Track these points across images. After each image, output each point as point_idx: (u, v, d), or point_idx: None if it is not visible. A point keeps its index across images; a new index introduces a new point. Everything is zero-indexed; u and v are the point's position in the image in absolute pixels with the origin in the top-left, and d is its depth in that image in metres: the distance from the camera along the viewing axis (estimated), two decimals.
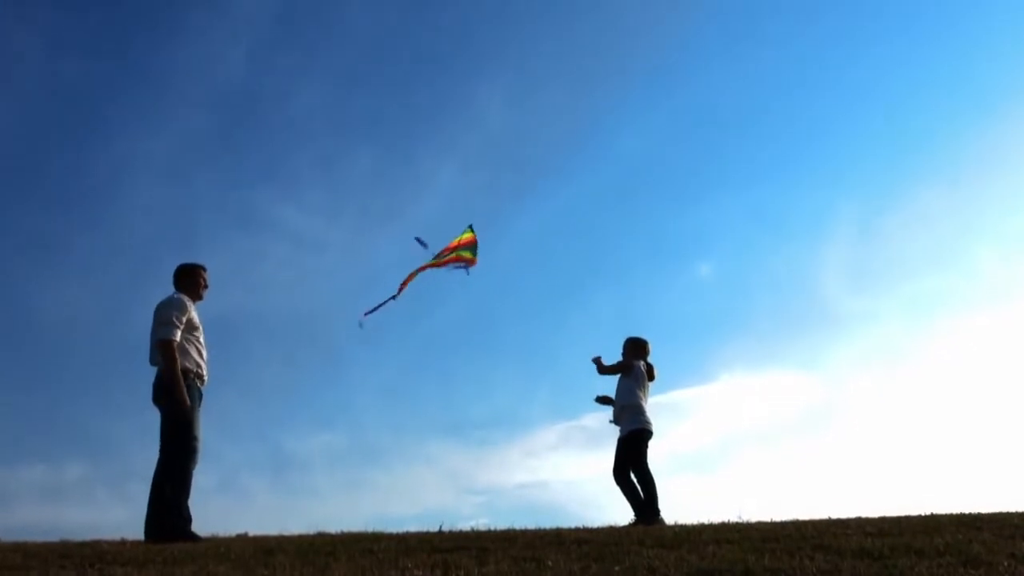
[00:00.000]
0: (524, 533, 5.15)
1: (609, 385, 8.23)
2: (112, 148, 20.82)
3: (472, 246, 9.22)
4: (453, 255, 9.12)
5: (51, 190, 20.12)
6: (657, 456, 8.04)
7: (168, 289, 6.13)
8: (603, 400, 8.22)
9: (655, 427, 7.94)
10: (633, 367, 8.05)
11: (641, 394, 7.97)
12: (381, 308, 8.41)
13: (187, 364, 5.84)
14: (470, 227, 9.34)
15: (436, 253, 9.07)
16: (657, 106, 23.99)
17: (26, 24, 19.67)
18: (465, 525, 6.05)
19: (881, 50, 23.46)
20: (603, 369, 8.15)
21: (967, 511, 5.79)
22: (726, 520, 6.11)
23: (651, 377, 8.12)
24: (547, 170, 23.86)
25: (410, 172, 22.81)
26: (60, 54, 20.10)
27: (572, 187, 23.68)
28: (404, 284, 8.71)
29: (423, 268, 8.93)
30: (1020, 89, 21.56)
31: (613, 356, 8.29)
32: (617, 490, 7.78)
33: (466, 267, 9.15)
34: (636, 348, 8.23)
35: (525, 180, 23.84)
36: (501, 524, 5.98)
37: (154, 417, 5.87)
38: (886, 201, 23.13)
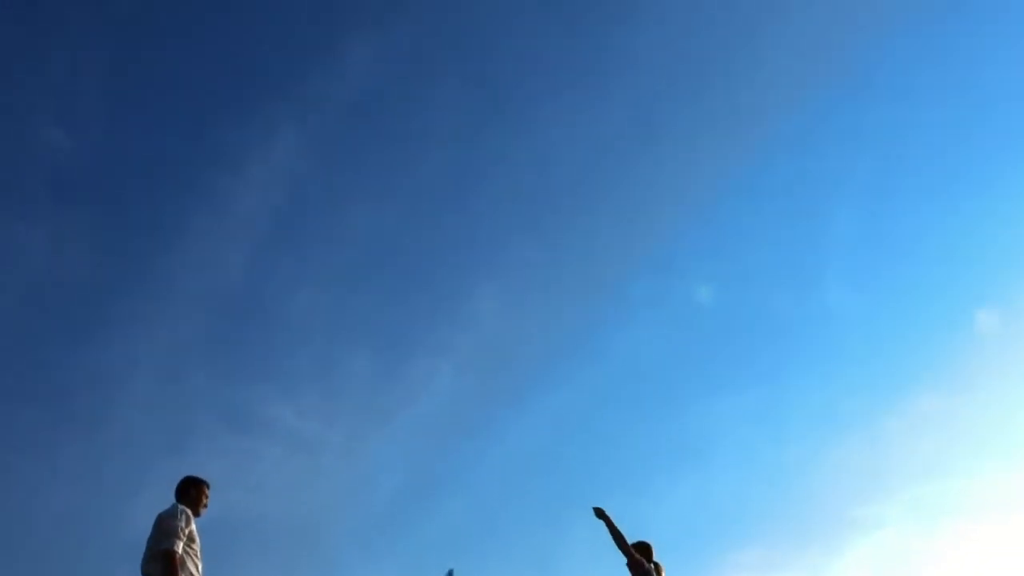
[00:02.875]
0: None
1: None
2: (110, 347, 20.79)
3: None
4: None
5: (45, 387, 19.93)
6: None
7: (164, 494, 6.04)
8: None
9: None
10: (644, 566, 7.92)
11: None
12: None
13: None
14: None
15: None
16: (652, 310, 24.25)
17: (28, 220, 20.39)
18: None
19: (884, 246, 24.01)
20: (611, 528, 7.95)
21: None
22: None
23: None
24: (542, 373, 23.80)
25: (406, 374, 22.88)
26: (61, 250, 20.59)
27: (568, 391, 23.36)
28: None
29: None
30: (1008, 299, 21.93)
31: (616, 567, 8.02)
32: None
33: None
34: (640, 552, 8.15)
35: (520, 383, 23.74)
36: None
37: None
38: (888, 406, 22.72)
